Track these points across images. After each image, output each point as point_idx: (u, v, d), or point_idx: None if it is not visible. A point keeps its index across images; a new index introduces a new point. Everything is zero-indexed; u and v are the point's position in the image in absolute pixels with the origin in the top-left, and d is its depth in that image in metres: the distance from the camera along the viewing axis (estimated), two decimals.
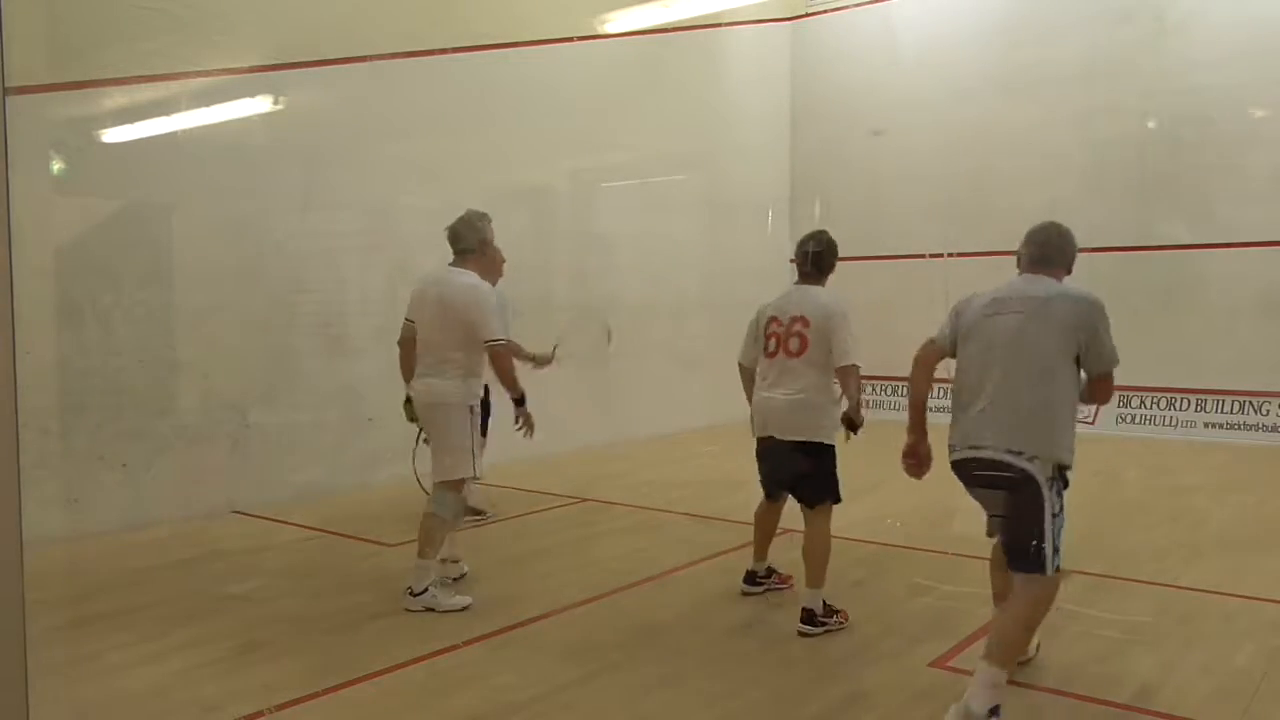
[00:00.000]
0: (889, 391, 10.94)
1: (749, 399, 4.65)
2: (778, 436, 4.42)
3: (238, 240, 6.85)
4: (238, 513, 6.64)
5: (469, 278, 4.60)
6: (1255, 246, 9.37)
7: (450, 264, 4.71)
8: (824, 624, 4.26)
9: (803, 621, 4.26)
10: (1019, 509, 3.29)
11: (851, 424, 4.26)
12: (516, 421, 4.81)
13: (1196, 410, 9.72)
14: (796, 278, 4.64)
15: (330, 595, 4.93)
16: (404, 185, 7.92)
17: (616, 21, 9.59)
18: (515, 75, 8.55)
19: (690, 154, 10.74)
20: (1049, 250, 3.60)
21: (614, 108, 9.60)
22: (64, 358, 5.92)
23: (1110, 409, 10.02)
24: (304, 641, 4.25)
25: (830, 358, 4.33)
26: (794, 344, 4.39)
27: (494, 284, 4.85)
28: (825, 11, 11.96)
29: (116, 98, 6.31)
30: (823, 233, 4.58)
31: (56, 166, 6.02)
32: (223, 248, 6.76)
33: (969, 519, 5.76)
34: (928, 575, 5.09)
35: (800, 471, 4.40)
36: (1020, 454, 3.25)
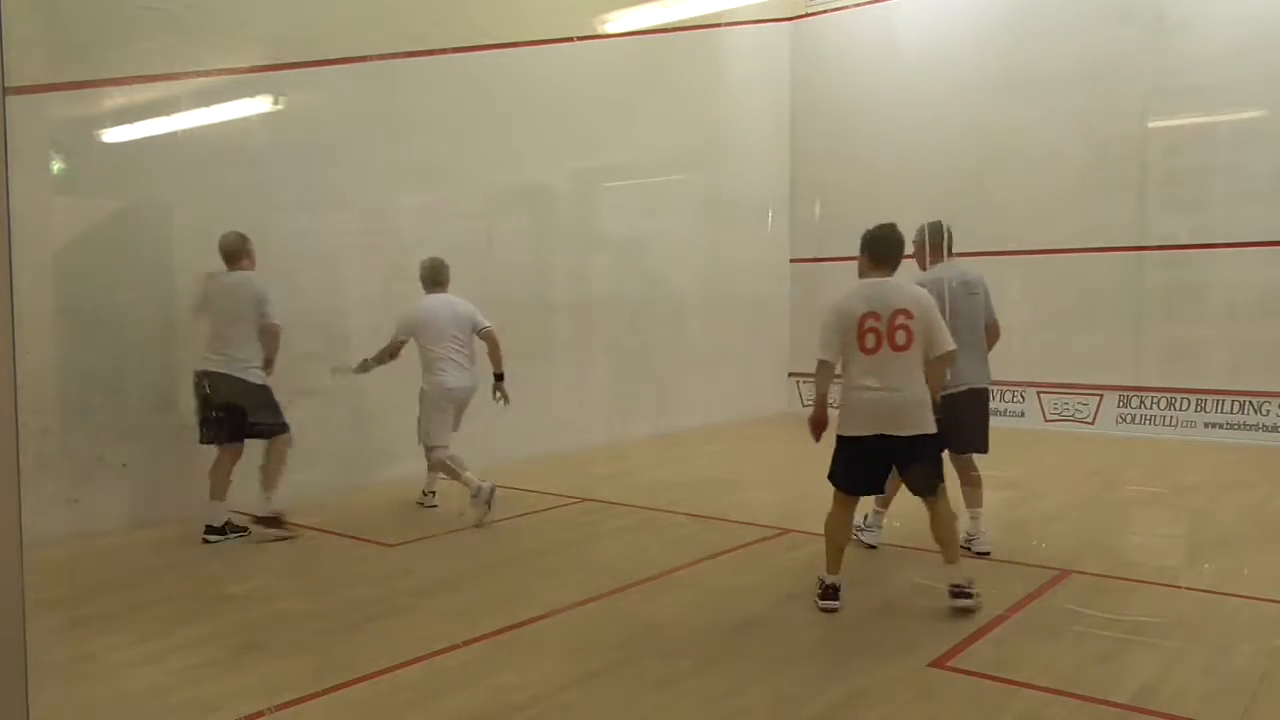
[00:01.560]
0: None
1: (822, 396, 4.54)
2: (895, 433, 4.39)
3: None
4: (238, 513, 6.63)
5: (456, 297, 6.56)
6: (1255, 246, 9.36)
7: (435, 294, 6.54)
8: (973, 594, 4.44)
9: (958, 595, 4.43)
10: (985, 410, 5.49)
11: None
12: (496, 395, 6.44)
13: (1196, 410, 9.72)
14: (871, 272, 4.58)
15: (330, 595, 4.94)
16: (403, 185, 7.91)
17: (616, 21, 9.59)
18: (515, 75, 8.55)
19: (690, 154, 10.74)
20: (949, 241, 5.45)
21: (614, 108, 9.59)
22: (64, 358, 5.91)
23: (1110, 409, 10.05)
24: (304, 641, 4.25)
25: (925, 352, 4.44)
26: (900, 338, 4.36)
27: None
28: (825, 11, 11.96)
29: (116, 98, 6.31)
30: (895, 226, 4.67)
31: (56, 166, 6.01)
32: None
33: (969, 519, 5.75)
34: (928, 575, 5.08)
35: (921, 463, 4.46)
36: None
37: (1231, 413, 9.53)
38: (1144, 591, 4.88)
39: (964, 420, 5.19)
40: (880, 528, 5.62)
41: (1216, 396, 9.61)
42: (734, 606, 4.69)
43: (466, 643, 4.13)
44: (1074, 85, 10.15)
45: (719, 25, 10.99)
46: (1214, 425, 9.60)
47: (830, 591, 4.54)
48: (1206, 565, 5.27)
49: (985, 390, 5.44)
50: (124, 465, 6.19)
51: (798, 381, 11.84)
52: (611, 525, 6.51)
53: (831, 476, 4.58)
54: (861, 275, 4.61)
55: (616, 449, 9.26)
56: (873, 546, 5.56)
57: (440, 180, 8.06)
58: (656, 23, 9.96)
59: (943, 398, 5.13)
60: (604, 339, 9.82)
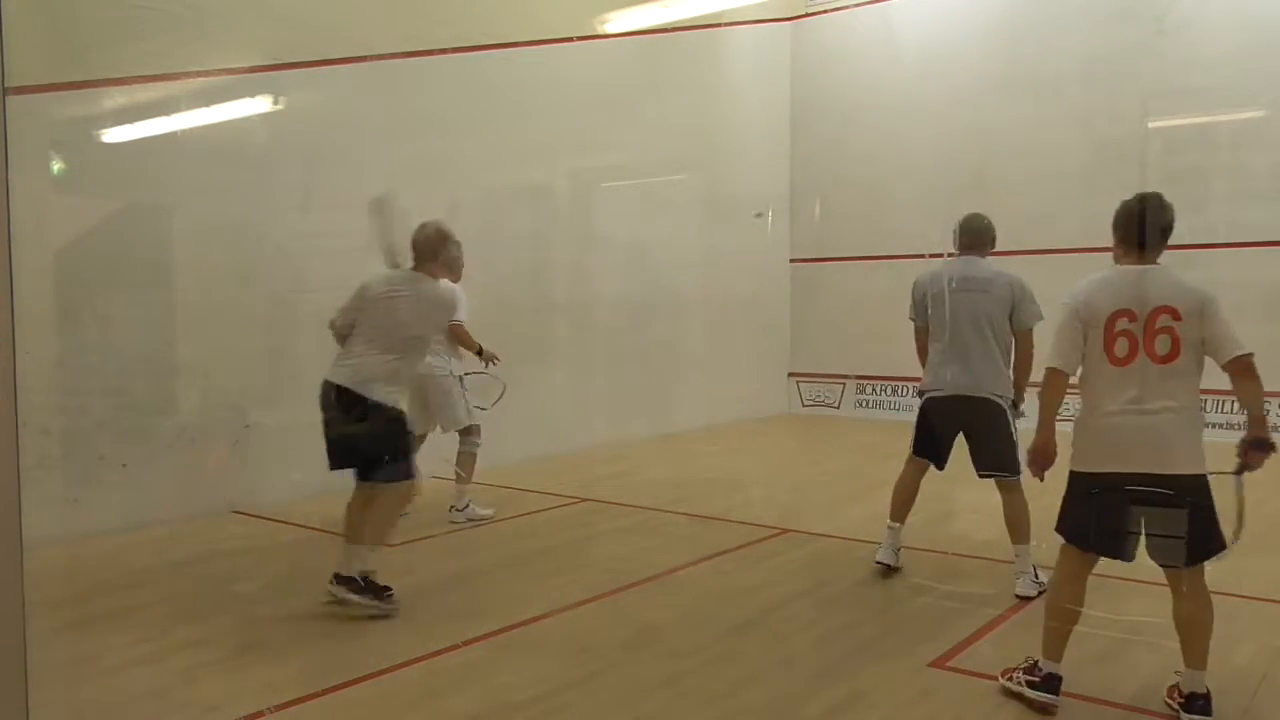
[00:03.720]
0: (888, 392, 10.93)
1: (1050, 417, 3.58)
2: (1153, 470, 3.32)
3: (238, 240, 6.84)
4: (238, 513, 6.64)
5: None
6: (1255, 246, 9.36)
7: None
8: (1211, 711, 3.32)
9: (1198, 710, 3.25)
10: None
11: (1264, 445, 3.35)
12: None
13: None
14: (1124, 258, 3.60)
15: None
16: (404, 185, 7.90)
17: (616, 21, 9.59)
18: (515, 75, 8.55)
19: (690, 154, 10.73)
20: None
21: (614, 108, 9.60)
22: (64, 358, 5.91)
23: None
24: (304, 641, 4.25)
25: (1197, 363, 3.36)
26: (1162, 345, 3.31)
27: None
28: (825, 11, 11.96)
29: (116, 98, 6.31)
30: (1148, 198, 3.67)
31: (56, 166, 6.01)
32: (223, 248, 6.76)
33: (969, 519, 5.76)
34: (928, 575, 5.09)
35: (1188, 519, 3.31)
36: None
37: (1231, 413, 9.49)
38: (1144, 591, 4.87)
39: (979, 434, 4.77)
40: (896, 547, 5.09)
41: (1216, 396, 9.55)
42: (734, 606, 4.69)
43: (466, 643, 4.14)
44: (1074, 85, 10.16)
45: (719, 25, 10.99)
46: (1214, 425, 9.55)
47: (1050, 682, 3.40)
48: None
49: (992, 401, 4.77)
50: (124, 465, 6.19)
51: (797, 382, 11.83)
52: (611, 525, 6.50)
53: (1062, 526, 3.53)
54: (1117, 263, 3.62)
55: (616, 449, 9.26)
56: (891, 566, 5.07)
57: (440, 180, 8.06)
58: (656, 23, 9.96)
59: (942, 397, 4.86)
60: (604, 339, 9.82)
